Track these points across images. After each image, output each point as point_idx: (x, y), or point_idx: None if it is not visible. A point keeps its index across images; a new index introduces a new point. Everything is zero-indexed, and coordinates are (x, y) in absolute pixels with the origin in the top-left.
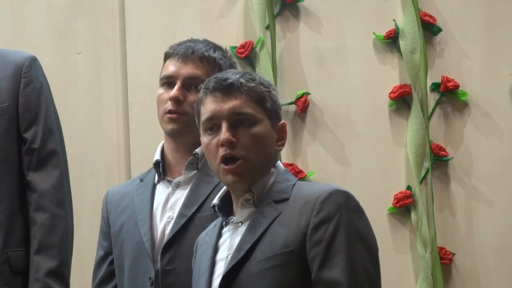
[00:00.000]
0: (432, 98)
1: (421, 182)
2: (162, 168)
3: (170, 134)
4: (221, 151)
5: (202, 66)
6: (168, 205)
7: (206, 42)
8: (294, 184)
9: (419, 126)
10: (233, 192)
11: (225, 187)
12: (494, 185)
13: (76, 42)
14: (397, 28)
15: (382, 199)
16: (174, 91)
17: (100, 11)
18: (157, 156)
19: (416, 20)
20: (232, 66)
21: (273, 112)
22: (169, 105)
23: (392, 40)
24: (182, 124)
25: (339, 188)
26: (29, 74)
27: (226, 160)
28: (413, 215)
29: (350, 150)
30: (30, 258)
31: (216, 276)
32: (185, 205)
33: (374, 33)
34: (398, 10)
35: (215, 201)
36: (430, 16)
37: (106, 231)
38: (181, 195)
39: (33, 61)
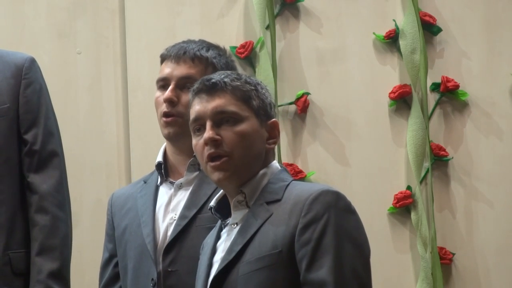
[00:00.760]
0: (432, 98)
1: (421, 182)
2: (164, 170)
3: (168, 139)
4: (206, 150)
5: (194, 66)
6: (170, 206)
7: (200, 42)
8: (288, 185)
9: (419, 126)
10: (226, 192)
11: None
12: (494, 185)
13: (76, 42)
14: (397, 28)
15: (382, 199)
16: (167, 93)
17: (100, 11)
18: (159, 158)
19: (416, 20)
20: (228, 64)
21: (260, 110)
22: (164, 107)
23: (392, 40)
24: (177, 127)
25: (330, 188)
26: (29, 75)
27: (212, 158)
28: (413, 215)
29: (350, 150)
30: (31, 260)
31: (211, 278)
32: (187, 207)
33: (374, 33)
34: (398, 10)
35: (212, 203)
36: (430, 16)
37: (111, 234)
38: (183, 197)
39: (33, 62)
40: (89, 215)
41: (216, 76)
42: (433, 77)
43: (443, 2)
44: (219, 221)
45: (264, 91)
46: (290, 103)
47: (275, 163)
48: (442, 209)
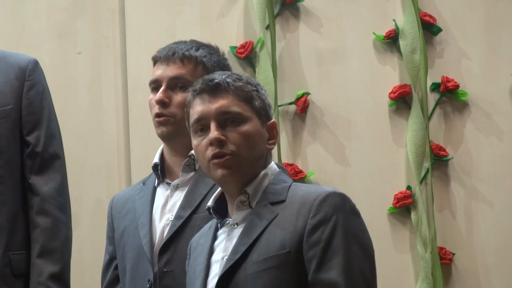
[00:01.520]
0: (432, 98)
1: (421, 182)
2: (161, 171)
3: (161, 138)
4: (210, 150)
5: (184, 66)
6: (167, 207)
7: (190, 42)
8: (290, 186)
9: (419, 126)
10: (227, 192)
11: (219, 188)
12: (494, 185)
13: (76, 42)
14: (397, 28)
15: (382, 199)
16: (158, 94)
17: (100, 11)
18: (156, 159)
19: (416, 20)
20: (220, 62)
21: (262, 111)
22: (157, 109)
23: (392, 40)
24: (170, 126)
25: (336, 190)
26: (32, 77)
27: (216, 157)
28: (413, 215)
29: (350, 150)
30: (32, 262)
31: (211, 278)
32: (182, 207)
33: (374, 33)
34: (398, 10)
35: (210, 203)
36: (430, 16)
37: (111, 236)
38: (179, 197)
39: (36, 64)
40: (89, 215)
41: (218, 77)
42: (433, 77)
43: (443, 2)
44: (215, 221)
45: (263, 92)
46: (290, 103)
47: (273, 164)
48: (442, 209)
